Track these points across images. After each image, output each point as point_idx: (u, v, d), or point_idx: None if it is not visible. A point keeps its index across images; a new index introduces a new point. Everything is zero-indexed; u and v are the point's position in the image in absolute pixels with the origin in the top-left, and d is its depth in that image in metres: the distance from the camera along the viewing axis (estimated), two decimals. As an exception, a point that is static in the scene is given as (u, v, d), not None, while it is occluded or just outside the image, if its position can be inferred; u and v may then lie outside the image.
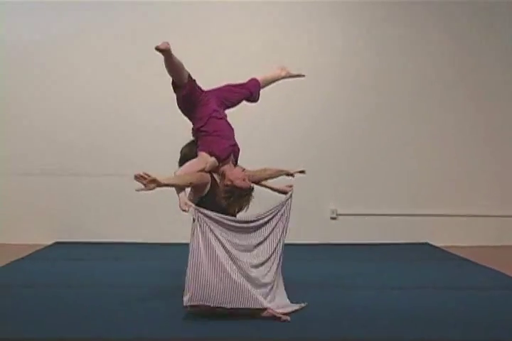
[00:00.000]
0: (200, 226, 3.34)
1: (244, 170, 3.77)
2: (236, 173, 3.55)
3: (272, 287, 3.54)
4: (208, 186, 3.55)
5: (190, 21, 6.30)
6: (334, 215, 6.35)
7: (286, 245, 5.88)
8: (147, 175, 3.15)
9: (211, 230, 3.35)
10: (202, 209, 3.36)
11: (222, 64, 6.14)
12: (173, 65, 3.60)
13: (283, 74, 4.27)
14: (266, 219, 3.60)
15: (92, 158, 6.12)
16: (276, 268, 3.64)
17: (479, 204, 6.38)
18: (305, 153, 6.27)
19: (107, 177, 6.08)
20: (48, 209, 6.20)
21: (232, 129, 3.79)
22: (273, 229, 3.65)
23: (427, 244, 6.21)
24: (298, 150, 6.26)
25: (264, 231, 3.60)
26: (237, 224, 3.46)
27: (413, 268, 4.98)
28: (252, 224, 3.53)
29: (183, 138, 3.87)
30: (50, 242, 6.04)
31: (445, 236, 6.22)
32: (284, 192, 3.85)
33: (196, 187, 3.54)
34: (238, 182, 3.48)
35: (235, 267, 3.36)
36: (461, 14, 6.46)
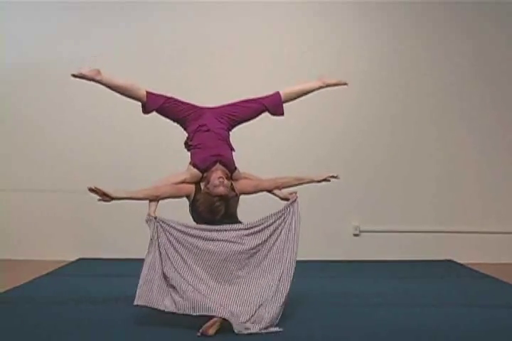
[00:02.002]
0: (158, 235, 3.51)
1: (246, 177, 3.87)
2: (212, 180, 3.61)
3: (258, 304, 3.48)
4: (192, 196, 3.69)
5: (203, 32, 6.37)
6: (357, 232, 6.33)
7: (309, 262, 5.90)
8: (98, 189, 3.47)
9: (169, 239, 3.51)
10: (165, 220, 3.54)
11: (237, 71, 6.27)
12: (113, 89, 3.83)
13: (318, 84, 4.18)
14: (252, 231, 3.62)
15: (115, 175, 6.16)
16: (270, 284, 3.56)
17: (505, 220, 6.33)
18: (327, 169, 6.25)
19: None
20: (72, 226, 6.26)
21: (223, 140, 3.83)
22: (266, 241, 3.64)
23: (451, 261, 6.15)
24: (320, 166, 6.22)
25: (250, 243, 3.59)
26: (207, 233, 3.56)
27: (437, 285, 4.93)
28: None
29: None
30: (74, 258, 6.09)
31: (470, 253, 6.16)
32: (287, 200, 3.83)
33: (179, 197, 3.71)
34: (211, 189, 3.58)
35: (188, 277, 3.45)
36: (484, 20, 6.46)
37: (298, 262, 5.87)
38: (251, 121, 5.82)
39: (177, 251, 3.51)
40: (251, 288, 3.53)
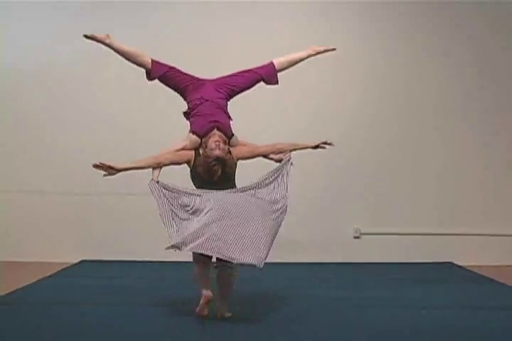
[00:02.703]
0: (159, 197, 3.75)
1: (243, 144, 4.09)
2: (209, 144, 3.84)
3: None
4: (192, 162, 3.91)
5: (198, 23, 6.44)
6: (357, 234, 6.37)
7: (310, 263, 5.99)
8: (102, 163, 3.66)
9: (168, 201, 3.75)
10: (166, 184, 3.78)
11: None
12: (121, 54, 4.08)
13: (308, 52, 4.39)
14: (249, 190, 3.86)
15: (119, 176, 6.16)
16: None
17: (504, 223, 6.36)
18: (329, 172, 6.35)
19: (132, 196, 6.13)
20: (74, 228, 6.30)
21: (220, 108, 4.02)
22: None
23: (451, 263, 6.19)
24: (321, 169, 6.32)
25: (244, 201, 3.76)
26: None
27: (437, 287, 4.97)
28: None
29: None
30: (76, 260, 6.13)
31: (469, 256, 6.19)
32: (281, 161, 4.02)
33: (180, 164, 3.94)
34: (209, 152, 3.80)
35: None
36: (484, 20, 6.52)
37: (300, 264, 5.97)
38: (252, 121, 5.88)
39: (174, 213, 3.74)
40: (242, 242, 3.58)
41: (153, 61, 4.10)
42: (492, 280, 5.27)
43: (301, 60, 4.39)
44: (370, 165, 6.43)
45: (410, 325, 3.64)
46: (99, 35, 4.01)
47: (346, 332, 3.49)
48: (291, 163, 3.95)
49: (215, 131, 3.92)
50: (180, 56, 6.27)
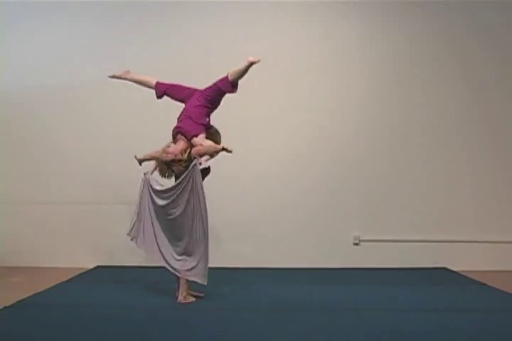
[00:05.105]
0: (144, 185, 4.81)
1: (201, 144, 4.63)
2: (168, 148, 4.69)
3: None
4: None
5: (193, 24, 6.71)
6: (357, 241, 6.54)
7: (313, 269, 6.16)
8: (136, 157, 4.89)
9: (148, 190, 4.80)
10: (150, 178, 4.82)
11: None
12: (137, 83, 5.10)
13: (245, 64, 4.73)
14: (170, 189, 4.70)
15: (129, 188, 6.34)
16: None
17: (495, 231, 6.50)
18: (329, 182, 6.56)
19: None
20: (90, 236, 6.51)
21: (188, 115, 4.73)
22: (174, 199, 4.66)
23: (445, 268, 6.34)
24: (321, 180, 6.55)
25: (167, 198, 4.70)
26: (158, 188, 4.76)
27: (432, 291, 5.13)
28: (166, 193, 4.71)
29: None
30: (92, 266, 6.34)
31: (462, 262, 6.34)
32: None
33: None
34: (161, 155, 4.71)
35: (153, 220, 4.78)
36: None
37: (303, 269, 6.17)
38: (259, 136, 6.09)
39: (147, 202, 4.77)
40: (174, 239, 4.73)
41: (156, 83, 5.00)
42: (483, 284, 5.45)
43: (245, 70, 4.69)
44: (369, 178, 6.60)
45: (407, 327, 3.82)
46: (120, 74, 5.05)
47: (345, 333, 3.70)
48: (201, 164, 4.51)
49: (180, 135, 4.70)
50: (181, 56, 6.59)
